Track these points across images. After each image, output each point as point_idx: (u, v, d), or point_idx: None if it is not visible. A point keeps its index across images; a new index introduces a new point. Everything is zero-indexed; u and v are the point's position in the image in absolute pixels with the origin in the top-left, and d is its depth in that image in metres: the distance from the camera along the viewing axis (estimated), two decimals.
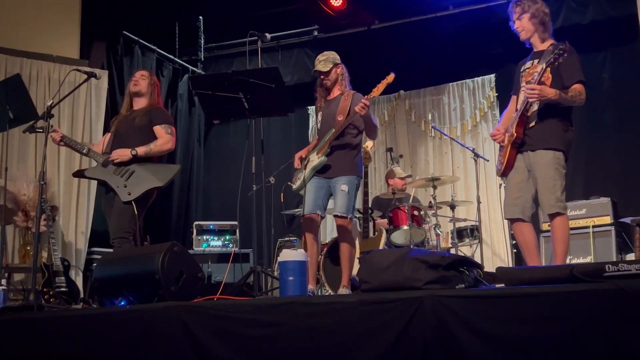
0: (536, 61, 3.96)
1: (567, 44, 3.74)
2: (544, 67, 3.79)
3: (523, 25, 4.03)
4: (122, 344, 3.03)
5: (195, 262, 3.76)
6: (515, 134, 3.91)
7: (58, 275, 5.49)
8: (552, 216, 3.85)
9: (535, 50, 4.07)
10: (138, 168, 4.55)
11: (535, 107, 3.91)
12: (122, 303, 3.45)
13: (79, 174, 4.85)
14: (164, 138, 4.65)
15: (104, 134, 4.91)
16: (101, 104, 6.88)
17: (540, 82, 3.82)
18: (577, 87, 3.81)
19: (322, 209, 4.57)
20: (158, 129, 4.67)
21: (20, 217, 6.02)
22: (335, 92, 4.72)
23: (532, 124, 3.92)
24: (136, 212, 4.41)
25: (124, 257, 3.91)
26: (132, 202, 4.43)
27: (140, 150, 4.55)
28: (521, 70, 4.10)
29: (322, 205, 4.57)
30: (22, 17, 6.71)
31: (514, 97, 4.18)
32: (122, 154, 4.54)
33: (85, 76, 4.52)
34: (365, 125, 4.59)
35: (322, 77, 4.69)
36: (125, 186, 4.48)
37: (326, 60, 4.66)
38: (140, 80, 4.80)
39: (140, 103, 4.80)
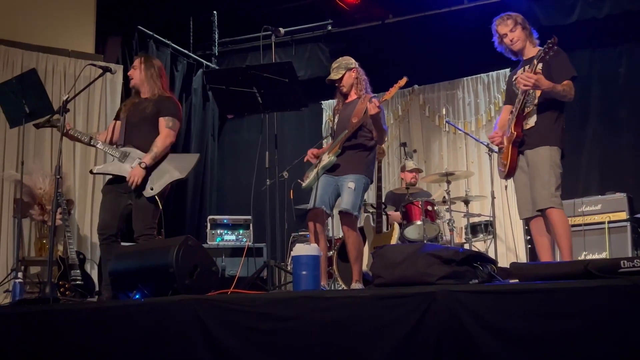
0: (527, 67, 3.95)
1: (554, 37, 3.76)
2: (536, 63, 3.82)
3: (518, 35, 4.09)
4: (137, 337, 3.06)
5: (209, 256, 3.76)
6: (515, 133, 3.93)
7: (74, 268, 5.55)
8: (548, 211, 3.82)
9: (524, 58, 4.11)
10: None
11: (531, 107, 3.95)
12: (137, 296, 3.48)
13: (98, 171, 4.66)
14: (163, 132, 4.47)
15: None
16: (116, 98, 6.90)
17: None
18: (568, 83, 3.85)
19: (327, 206, 4.56)
20: (161, 121, 4.50)
21: (36, 210, 6.07)
22: (353, 95, 4.71)
23: (530, 124, 3.94)
24: (160, 207, 4.33)
25: (138, 250, 3.93)
26: (155, 196, 4.33)
27: (148, 160, 4.37)
28: (513, 79, 4.11)
29: (328, 202, 4.56)
30: (37, 11, 6.76)
31: (506, 107, 4.21)
32: (138, 174, 4.32)
33: (100, 71, 4.46)
34: (374, 127, 4.52)
35: (336, 84, 4.71)
36: (147, 181, 4.37)
37: (338, 68, 4.69)
38: (132, 73, 4.67)
39: (144, 92, 4.64)
